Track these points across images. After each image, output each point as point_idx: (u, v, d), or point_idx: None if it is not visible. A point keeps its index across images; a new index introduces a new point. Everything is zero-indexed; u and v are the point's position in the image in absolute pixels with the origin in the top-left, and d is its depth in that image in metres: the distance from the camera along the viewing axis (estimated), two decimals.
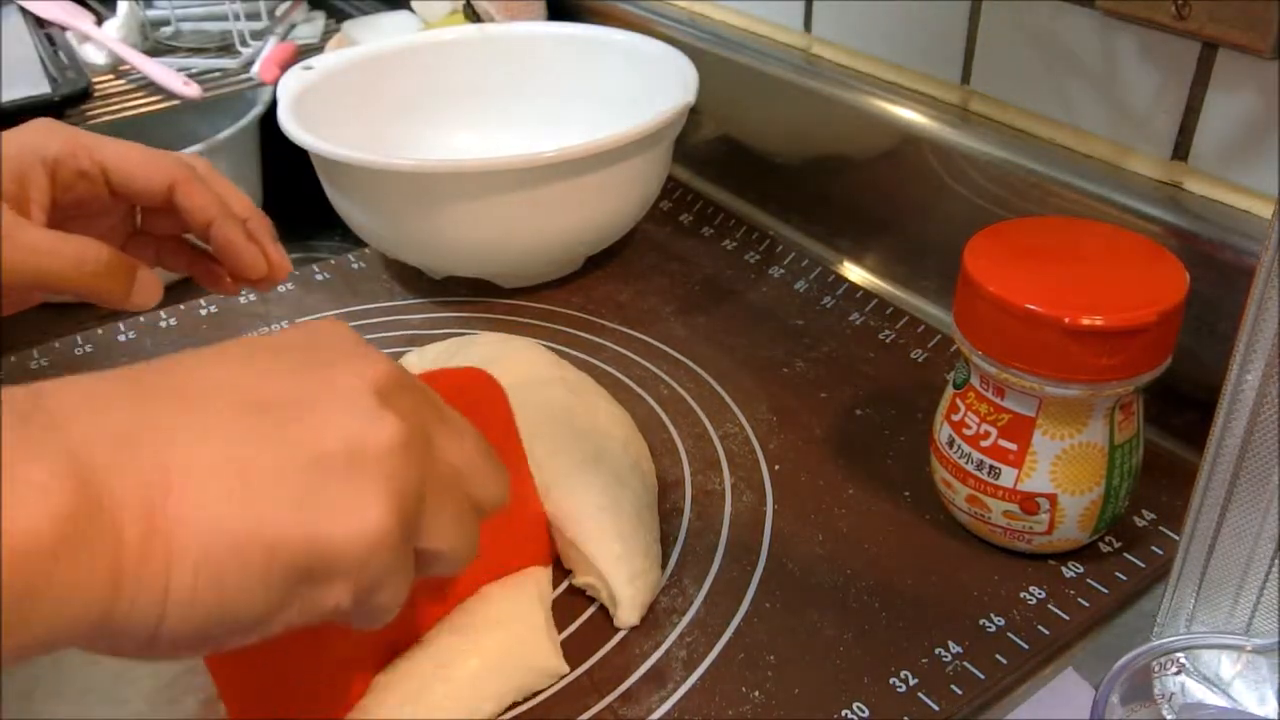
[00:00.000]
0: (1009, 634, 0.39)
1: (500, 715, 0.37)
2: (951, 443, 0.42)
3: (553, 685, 0.38)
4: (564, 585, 0.42)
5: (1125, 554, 0.43)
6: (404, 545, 0.27)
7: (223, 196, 0.46)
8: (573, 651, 0.39)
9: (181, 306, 0.60)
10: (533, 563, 0.41)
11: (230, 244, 0.46)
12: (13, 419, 0.23)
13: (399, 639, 0.37)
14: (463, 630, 0.37)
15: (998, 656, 0.38)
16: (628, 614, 0.40)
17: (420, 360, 0.51)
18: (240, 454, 0.25)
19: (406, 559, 0.28)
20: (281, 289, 0.62)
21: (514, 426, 0.40)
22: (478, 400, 0.39)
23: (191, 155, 0.47)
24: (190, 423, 0.25)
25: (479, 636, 0.37)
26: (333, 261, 0.65)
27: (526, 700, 0.37)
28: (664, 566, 0.42)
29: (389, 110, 0.67)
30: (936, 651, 0.38)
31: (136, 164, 0.44)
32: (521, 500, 0.39)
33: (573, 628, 0.40)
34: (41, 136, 0.43)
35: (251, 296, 0.61)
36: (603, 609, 0.41)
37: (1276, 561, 0.33)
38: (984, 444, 0.40)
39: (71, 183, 0.43)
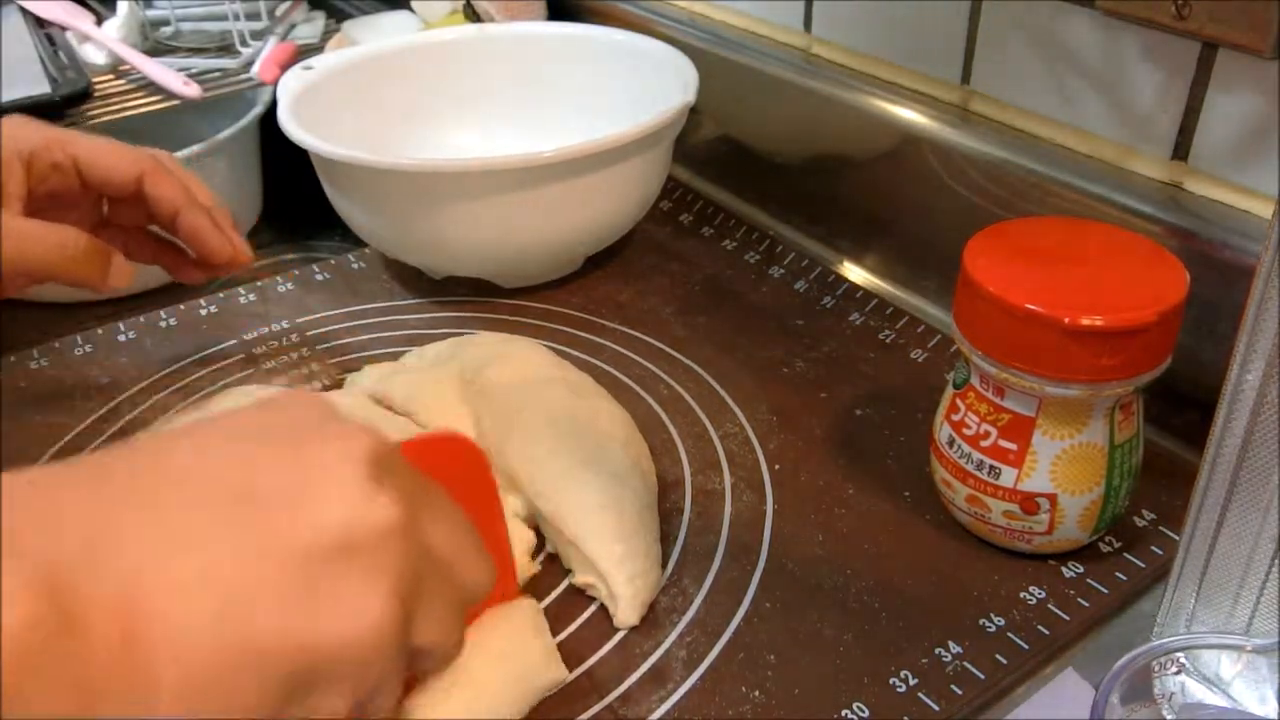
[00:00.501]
0: (1009, 634, 0.39)
1: None
2: (951, 442, 0.42)
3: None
4: (563, 585, 0.42)
5: (1125, 554, 0.43)
6: (403, 641, 0.26)
7: (188, 187, 0.48)
8: (572, 651, 0.39)
9: (181, 306, 0.60)
10: (501, 601, 0.37)
11: (197, 230, 0.48)
12: None
13: None
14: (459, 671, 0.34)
15: (998, 656, 0.38)
16: (627, 614, 0.39)
17: (420, 360, 0.51)
18: (221, 560, 0.23)
19: (404, 656, 0.26)
20: (281, 289, 0.62)
21: (496, 496, 0.38)
22: (460, 471, 0.36)
23: (157, 150, 0.49)
24: (162, 530, 0.23)
25: (477, 675, 0.34)
26: (333, 261, 0.65)
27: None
28: (664, 566, 0.42)
29: (389, 110, 0.67)
30: (936, 651, 0.38)
31: (107, 156, 0.47)
32: (502, 567, 0.35)
33: (572, 627, 0.40)
34: (16, 131, 0.45)
35: (251, 296, 0.61)
36: (602, 608, 0.41)
37: (1276, 561, 0.33)
38: (984, 444, 0.40)
39: (46, 175, 0.45)
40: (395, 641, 0.25)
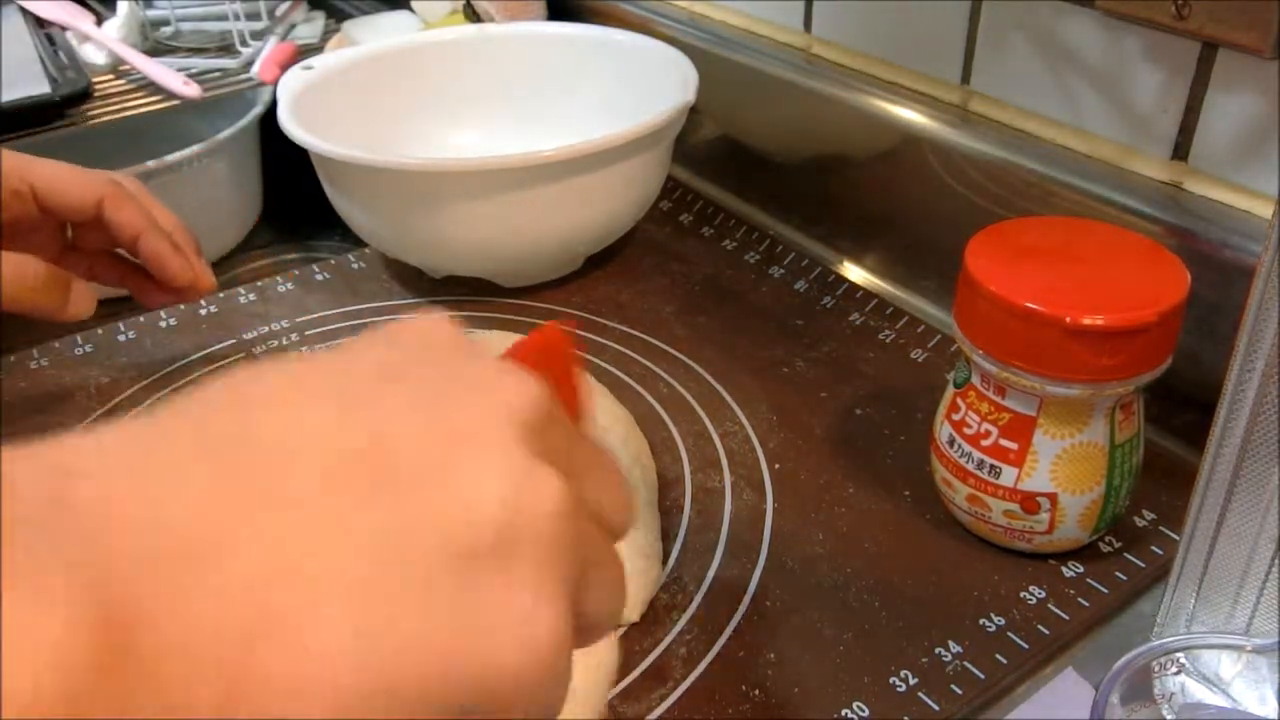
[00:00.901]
0: (1009, 634, 0.39)
1: None
2: (952, 442, 0.42)
3: None
4: None
5: (1125, 554, 0.43)
6: (573, 640, 0.21)
7: (150, 212, 0.49)
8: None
9: (181, 307, 0.60)
10: None
11: (157, 254, 0.48)
12: (29, 532, 0.15)
13: None
14: None
15: (998, 656, 0.38)
16: (627, 610, 0.39)
17: None
18: (355, 562, 0.17)
19: (570, 658, 0.21)
20: (281, 289, 0.62)
21: (582, 378, 0.29)
22: (560, 368, 0.28)
23: (121, 174, 0.50)
24: (281, 523, 0.17)
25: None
26: (333, 261, 0.65)
27: None
28: (664, 564, 0.42)
29: (389, 110, 0.67)
30: (936, 651, 0.38)
31: (66, 182, 0.47)
32: None
33: None
34: None
35: (251, 296, 0.61)
36: None
37: (1276, 561, 0.33)
38: (984, 443, 0.40)
39: (5, 203, 0.45)
40: (569, 648, 0.20)
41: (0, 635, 0.14)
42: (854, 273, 0.64)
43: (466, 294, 0.61)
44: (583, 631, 0.22)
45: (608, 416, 0.46)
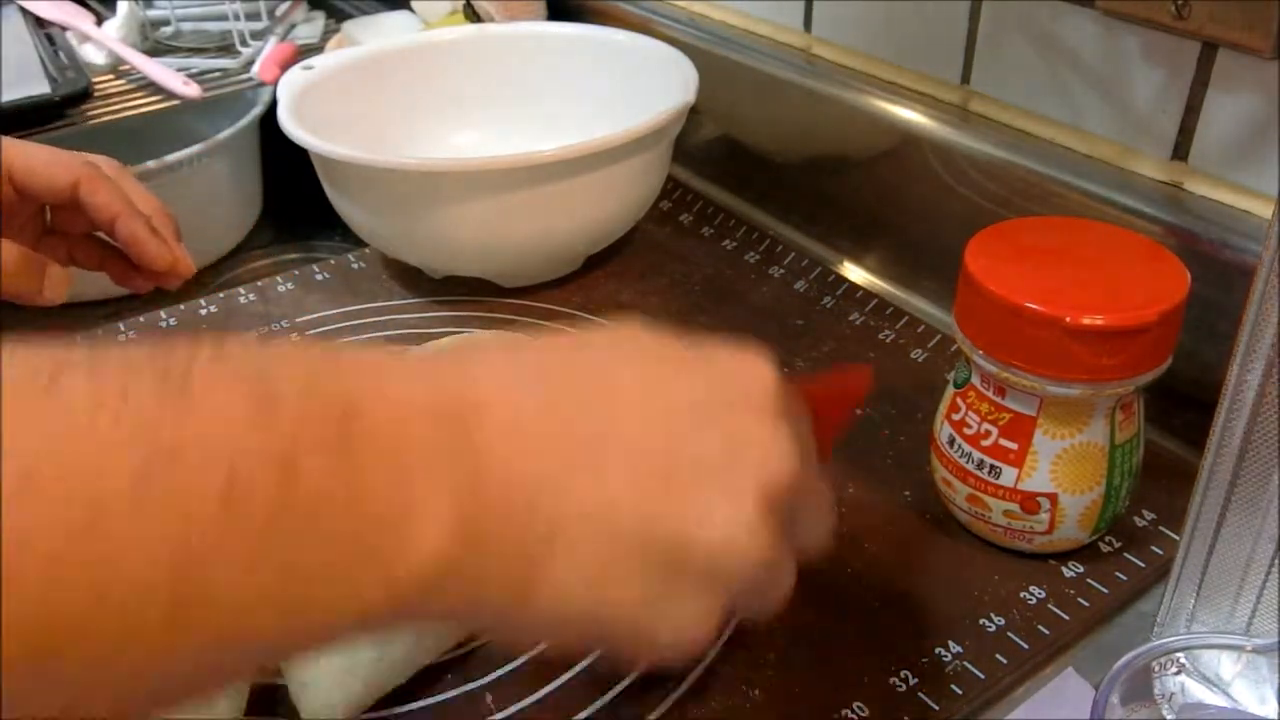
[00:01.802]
0: (1009, 634, 0.39)
1: (501, 711, 0.37)
2: (952, 442, 0.42)
3: (552, 682, 0.38)
4: None
5: (1125, 554, 0.43)
6: (780, 549, 0.27)
7: (128, 194, 0.48)
8: (571, 649, 0.39)
9: (181, 306, 0.60)
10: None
11: (135, 237, 0.48)
12: (441, 439, 0.23)
13: None
14: None
15: (998, 656, 0.38)
16: None
17: None
18: (619, 538, 0.25)
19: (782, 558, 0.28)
20: (281, 289, 0.62)
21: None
22: (841, 411, 0.36)
23: (100, 156, 0.49)
24: (597, 491, 0.24)
25: None
26: (333, 261, 0.65)
27: (526, 697, 0.37)
28: None
29: (389, 110, 0.67)
30: (936, 651, 0.38)
31: (40, 164, 0.47)
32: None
33: None
34: None
35: (251, 296, 0.61)
36: None
37: (1276, 561, 0.33)
38: (984, 443, 0.40)
39: None
40: (707, 644, 0.27)
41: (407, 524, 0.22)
42: (854, 273, 0.64)
43: (466, 294, 0.61)
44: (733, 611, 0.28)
45: None
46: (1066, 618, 0.40)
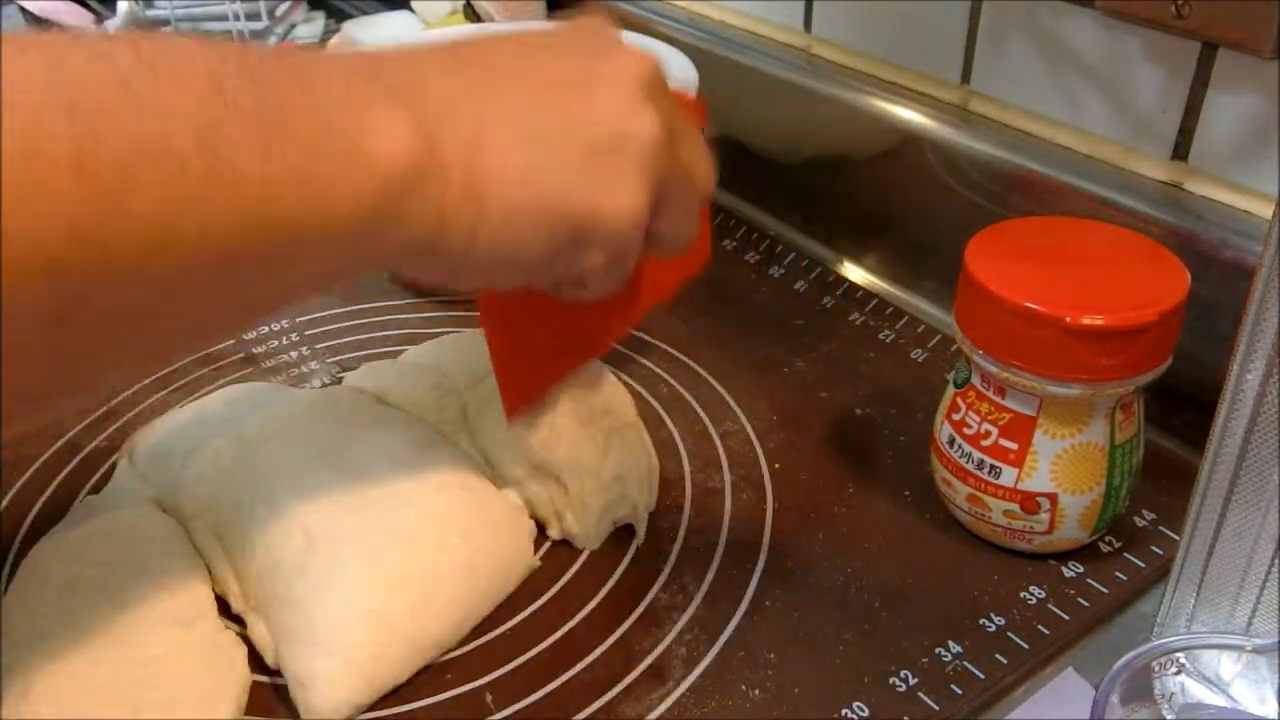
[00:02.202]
0: (1009, 634, 0.39)
1: (501, 711, 0.37)
2: (952, 442, 0.42)
3: (552, 682, 0.38)
4: (562, 582, 0.42)
5: (1125, 554, 0.43)
6: (647, 225, 0.32)
7: None
8: (571, 649, 0.39)
9: None
10: (694, 271, 0.44)
11: None
12: (361, 79, 0.28)
13: (613, 324, 0.44)
14: None
15: (998, 656, 0.38)
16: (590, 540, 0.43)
17: (416, 358, 0.51)
18: (538, 124, 0.30)
19: (643, 237, 0.33)
20: None
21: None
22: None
23: None
24: (500, 92, 0.30)
25: None
26: None
27: (526, 697, 0.37)
28: (664, 563, 0.42)
29: None
30: (936, 651, 0.38)
31: None
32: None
33: (571, 624, 0.40)
34: None
35: None
36: (602, 605, 0.41)
37: (1276, 561, 0.33)
38: (984, 443, 0.40)
39: None
40: (642, 223, 0.32)
41: (368, 143, 0.27)
42: (854, 273, 0.64)
43: (466, 294, 0.61)
44: (653, 240, 0.34)
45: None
46: (1066, 618, 0.40)
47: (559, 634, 0.40)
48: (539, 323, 0.41)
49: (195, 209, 0.24)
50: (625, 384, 0.53)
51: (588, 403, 0.43)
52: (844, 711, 0.36)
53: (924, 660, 0.38)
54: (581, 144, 0.30)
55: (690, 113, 0.41)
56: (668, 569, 0.42)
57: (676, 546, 0.43)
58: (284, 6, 0.90)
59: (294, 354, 0.56)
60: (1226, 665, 0.31)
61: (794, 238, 0.67)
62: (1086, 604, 0.40)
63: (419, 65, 0.30)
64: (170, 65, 0.24)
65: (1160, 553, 0.43)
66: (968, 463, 0.41)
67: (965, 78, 0.57)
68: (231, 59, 0.25)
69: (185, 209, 0.23)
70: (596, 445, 0.43)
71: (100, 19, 0.86)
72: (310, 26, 0.90)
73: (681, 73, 0.62)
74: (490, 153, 0.29)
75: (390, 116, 0.27)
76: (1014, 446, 0.40)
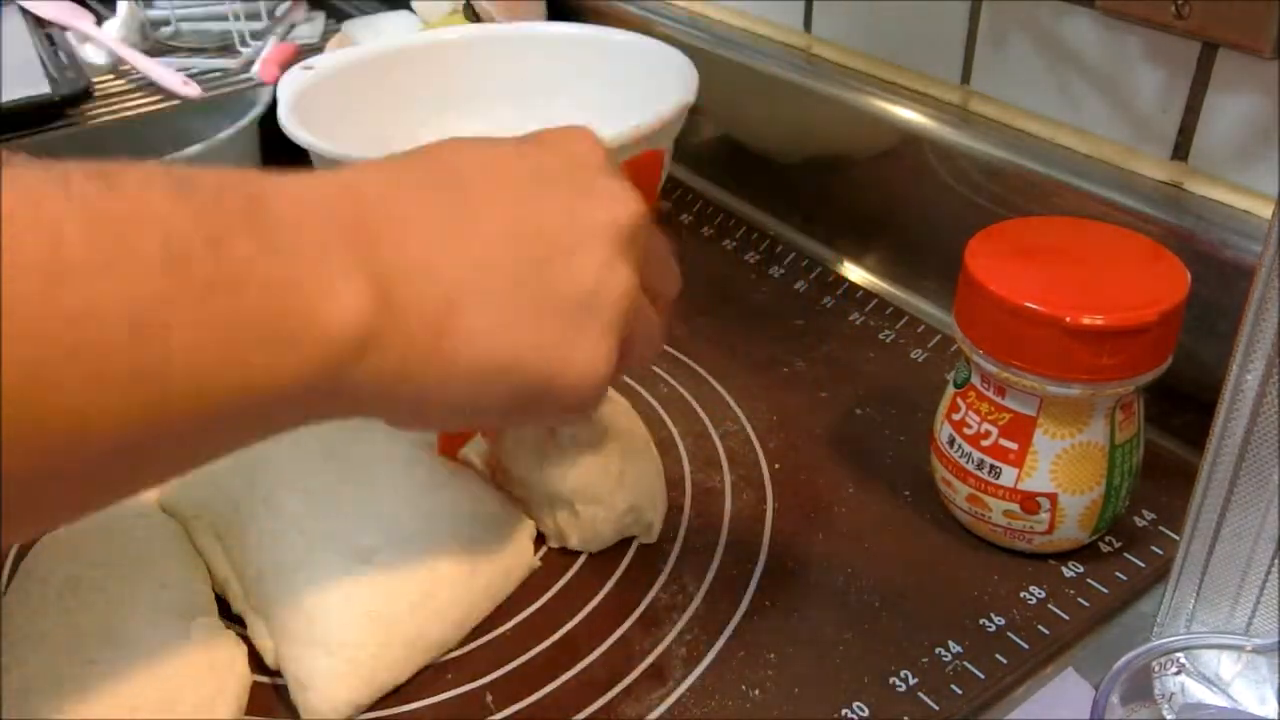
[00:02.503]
0: (1009, 634, 0.39)
1: (501, 711, 0.37)
2: (952, 442, 0.42)
3: (552, 682, 0.38)
4: (562, 581, 0.42)
5: (1125, 554, 0.43)
6: (610, 379, 0.32)
7: None
8: (571, 648, 0.39)
9: None
10: None
11: None
12: (339, 231, 0.27)
13: None
14: None
15: (998, 656, 0.38)
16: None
17: None
18: (514, 283, 0.29)
19: (607, 387, 0.32)
20: None
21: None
22: (648, 171, 0.42)
23: None
24: (479, 241, 0.29)
25: None
26: None
27: (526, 697, 0.37)
28: (664, 563, 0.42)
29: (389, 110, 0.67)
30: (936, 651, 0.38)
31: None
32: None
33: (571, 624, 0.40)
34: None
35: None
36: (602, 604, 0.41)
37: (1276, 561, 0.33)
38: (984, 443, 0.40)
39: None
40: (610, 378, 0.31)
41: (320, 307, 0.25)
42: (854, 273, 0.64)
43: None
44: (624, 358, 0.33)
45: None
46: (1066, 618, 0.40)
47: (559, 634, 0.40)
48: None
49: (116, 399, 0.22)
50: (625, 384, 0.53)
51: (599, 425, 0.43)
52: (844, 711, 0.36)
53: (924, 660, 0.38)
54: (554, 306, 0.30)
55: (651, 170, 0.42)
56: (668, 569, 0.42)
57: (676, 546, 0.43)
58: (284, 6, 0.90)
59: None
60: (1226, 665, 0.31)
61: (794, 238, 0.67)
62: (1086, 604, 0.40)
63: (400, 206, 0.29)
64: (119, 236, 0.22)
65: (1160, 553, 0.43)
66: (968, 463, 0.41)
67: (965, 78, 0.57)
68: (192, 221, 0.24)
69: (105, 400, 0.22)
70: (610, 476, 0.42)
71: (100, 19, 0.86)
72: (310, 26, 0.89)
73: (682, 73, 0.62)
74: (461, 315, 0.28)
75: (349, 289, 0.26)
76: (1014, 446, 0.40)
